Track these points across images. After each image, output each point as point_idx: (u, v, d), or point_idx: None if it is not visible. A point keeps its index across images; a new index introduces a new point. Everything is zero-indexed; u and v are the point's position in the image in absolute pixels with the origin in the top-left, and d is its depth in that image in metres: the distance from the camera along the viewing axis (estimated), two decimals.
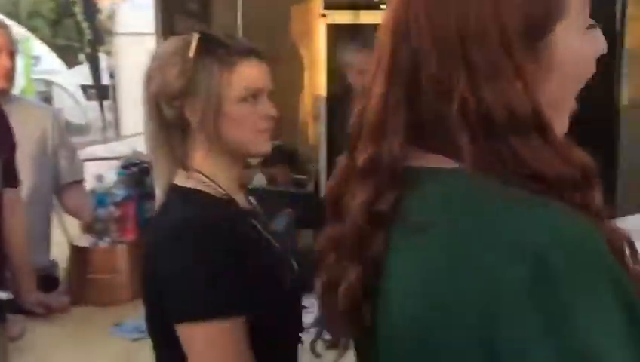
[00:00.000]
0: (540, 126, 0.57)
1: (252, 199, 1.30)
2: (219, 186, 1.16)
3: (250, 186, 2.98)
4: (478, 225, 0.56)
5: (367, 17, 3.87)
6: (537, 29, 0.59)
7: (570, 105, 0.66)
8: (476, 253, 0.55)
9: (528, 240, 0.53)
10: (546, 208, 0.55)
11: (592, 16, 0.65)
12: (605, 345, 0.50)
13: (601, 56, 0.66)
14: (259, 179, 3.42)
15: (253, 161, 3.61)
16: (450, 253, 0.58)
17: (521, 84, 0.57)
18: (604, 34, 0.66)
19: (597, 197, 0.59)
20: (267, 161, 3.52)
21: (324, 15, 4.07)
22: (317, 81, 4.23)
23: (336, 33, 3.96)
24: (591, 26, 0.64)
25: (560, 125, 0.64)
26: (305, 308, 1.30)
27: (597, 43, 0.65)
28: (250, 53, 1.18)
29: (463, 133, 0.58)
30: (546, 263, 0.52)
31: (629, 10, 3.71)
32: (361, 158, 0.65)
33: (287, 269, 1.25)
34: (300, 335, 1.25)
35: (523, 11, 0.58)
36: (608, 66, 3.43)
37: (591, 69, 0.65)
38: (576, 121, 0.68)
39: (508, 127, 0.57)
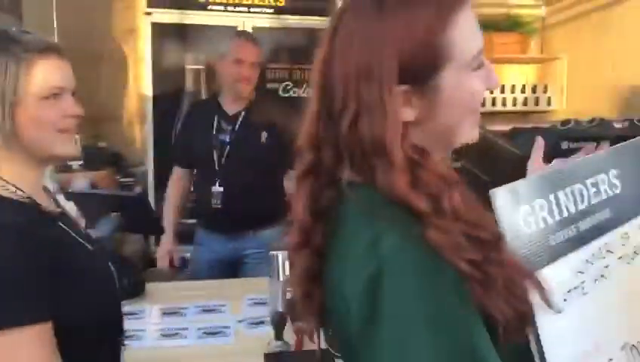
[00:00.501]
0: (402, 155, 0.72)
1: (71, 203, 1.25)
2: (19, 189, 1.11)
3: (70, 190, 2.82)
4: (349, 234, 0.73)
5: (193, 18, 3.84)
6: (421, 74, 0.73)
7: (466, 130, 0.80)
8: (344, 256, 0.73)
9: (370, 252, 0.68)
10: (386, 223, 0.70)
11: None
12: (412, 336, 0.64)
13: None
14: (80, 183, 3.24)
15: (75, 164, 3.42)
16: (336, 253, 0.75)
17: (394, 120, 0.72)
18: None
19: (457, 199, 0.71)
20: (90, 164, 3.35)
21: (148, 13, 3.96)
22: (142, 81, 4.11)
23: (162, 32, 3.88)
24: (481, 65, 0.77)
25: (461, 137, 0.80)
26: (134, 314, 1.28)
27: (486, 79, 0.78)
28: (48, 50, 1.13)
29: (345, 153, 0.75)
30: (379, 269, 0.66)
31: None
32: (301, 164, 0.80)
33: (103, 273, 1.23)
34: (119, 339, 1.23)
35: (401, 63, 0.72)
36: None
37: (479, 101, 0.79)
38: None
39: (373, 155, 0.72)
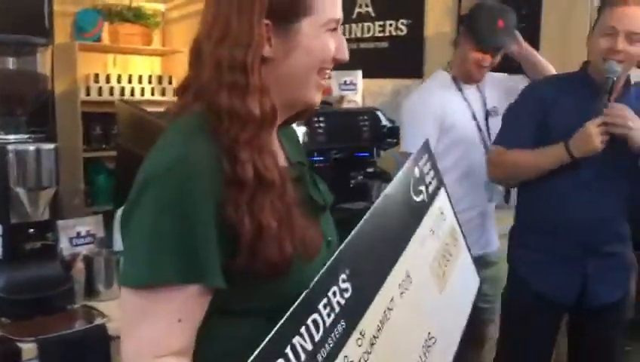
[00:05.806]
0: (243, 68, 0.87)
1: None
2: None
3: None
4: None
5: None
6: (284, 15, 0.89)
7: (311, 87, 0.95)
8: None
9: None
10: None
11: None
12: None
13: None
14: None
15: None
16: None
17: (254, 44, 0.87)
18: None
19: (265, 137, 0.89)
20: None
21: None
22: None
23: None
24: (332, 30, 0.93)
25: (306, 92, 0.95)
26: None
27: (329, 44, 0.93)
28: None
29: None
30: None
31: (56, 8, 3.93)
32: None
33: None
34: None
35: (271, 3, 0.88)
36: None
37: (328, 57, 0.94)
38: None
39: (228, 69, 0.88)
